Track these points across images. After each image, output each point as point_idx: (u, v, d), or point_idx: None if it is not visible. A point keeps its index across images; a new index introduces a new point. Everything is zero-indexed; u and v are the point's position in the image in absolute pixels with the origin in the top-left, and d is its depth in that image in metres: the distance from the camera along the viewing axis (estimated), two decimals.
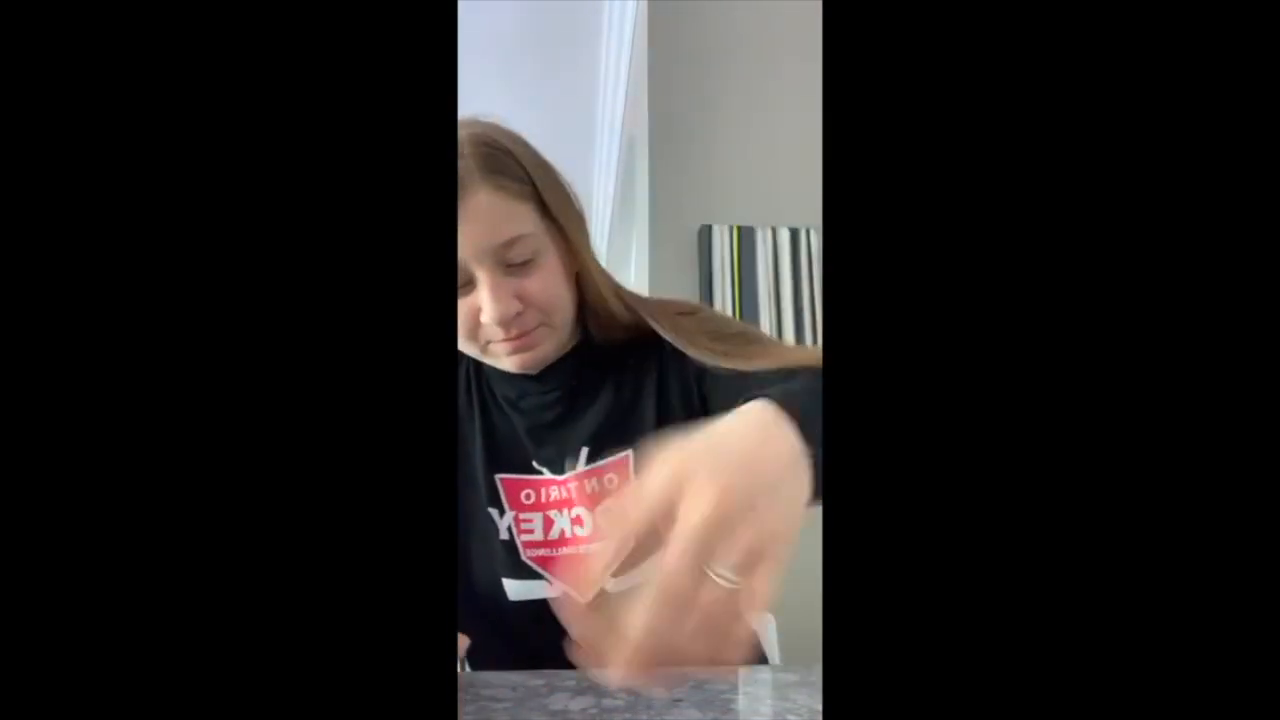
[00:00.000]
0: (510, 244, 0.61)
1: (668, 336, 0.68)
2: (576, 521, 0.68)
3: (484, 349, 0.66)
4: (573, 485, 0.67)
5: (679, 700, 0.46)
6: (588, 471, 0.67)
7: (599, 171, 3.39)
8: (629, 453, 0.68)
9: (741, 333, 0.68)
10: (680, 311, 0.71)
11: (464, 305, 0.63)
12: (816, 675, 0.53)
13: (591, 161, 3.46)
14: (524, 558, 0.69)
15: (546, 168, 0.66)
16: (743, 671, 0.58)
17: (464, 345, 0.67)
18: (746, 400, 0.38)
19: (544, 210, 0.65)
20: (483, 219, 0.60)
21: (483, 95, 2.98)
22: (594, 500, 0.67)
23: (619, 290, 0.71)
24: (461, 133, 0.64)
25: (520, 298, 0.63)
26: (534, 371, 0.69)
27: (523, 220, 0.62)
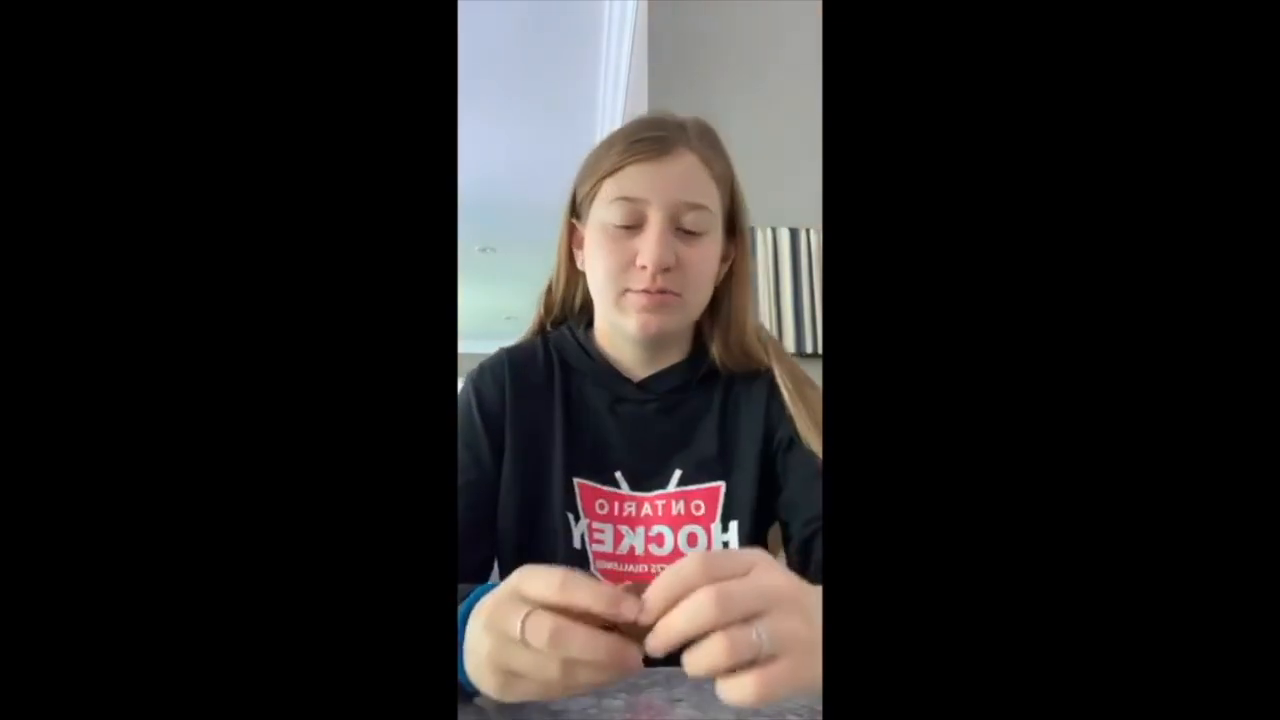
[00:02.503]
0: (692, 207, 0.65)
1: (785, 393, 0.68)
2: (656, 540, 0.66)
3: (620, 296, 0.66)
4: (660, 504, 0.66)
5: (679, 700, 0.46)
6: (678, 493, 0.66)
7: None
8: (722, 484, 0.67)
9: None
10: (807, 381, 0.71)
11: (623, 246, 0.64)
12: None
13: None
14: (594, 569, 0.67)
15: (737, 180, 0.71)
16: None
17: (603, 287, 0.66)
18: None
19: (728, 204, 0.69)
20: (680, 176, 0.65)
21: (484, 95, 2.99)
22: (678, 522, 0.66)
23: (755, 320, 0.73)
24: (686, 116, 0.69)
25: (678, 257, 0.64)
26: (646, 350, 0.69)
27: (710, 196, 0.66)
